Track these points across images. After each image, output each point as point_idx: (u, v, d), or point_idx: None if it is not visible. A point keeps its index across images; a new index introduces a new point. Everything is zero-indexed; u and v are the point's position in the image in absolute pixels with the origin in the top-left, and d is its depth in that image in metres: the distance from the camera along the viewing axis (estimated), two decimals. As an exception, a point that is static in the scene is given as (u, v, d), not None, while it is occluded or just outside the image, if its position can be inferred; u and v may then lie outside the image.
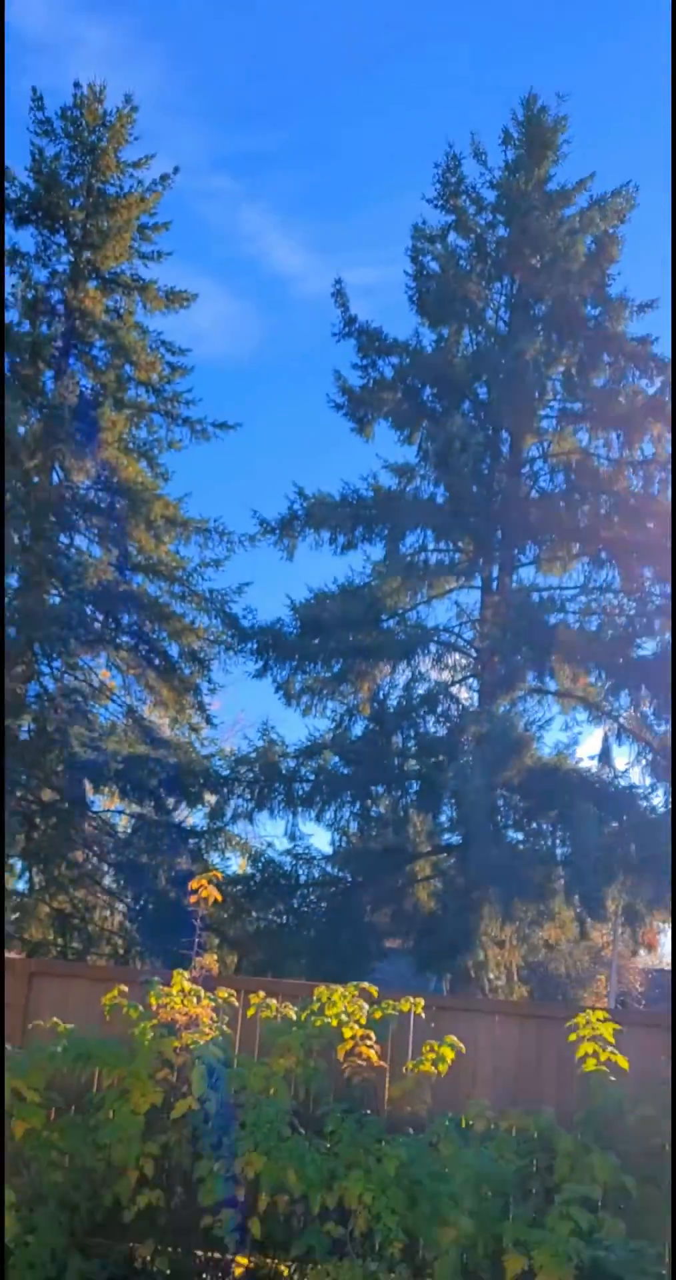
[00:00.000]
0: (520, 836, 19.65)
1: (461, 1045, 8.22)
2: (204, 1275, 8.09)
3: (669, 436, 20.90)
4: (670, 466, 20.41)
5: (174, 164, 24.22)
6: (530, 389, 20.83)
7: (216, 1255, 8.13)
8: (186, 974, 8.41)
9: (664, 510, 20.50)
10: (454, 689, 20.99)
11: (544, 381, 21.30)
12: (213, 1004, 8.43)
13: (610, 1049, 7.84)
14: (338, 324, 21.77)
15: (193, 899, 9.11)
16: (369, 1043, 8.26)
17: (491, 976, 19.59)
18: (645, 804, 19.10)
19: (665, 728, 19.63)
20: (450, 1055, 8.17)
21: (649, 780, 19.54)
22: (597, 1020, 7.91)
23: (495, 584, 21.04)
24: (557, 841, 19.09)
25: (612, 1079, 7.78)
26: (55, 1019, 8.42)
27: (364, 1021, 8.28)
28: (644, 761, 19.68)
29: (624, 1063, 7.73)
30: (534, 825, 19.43)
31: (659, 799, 19.26)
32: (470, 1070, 8.34)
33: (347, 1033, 8.22)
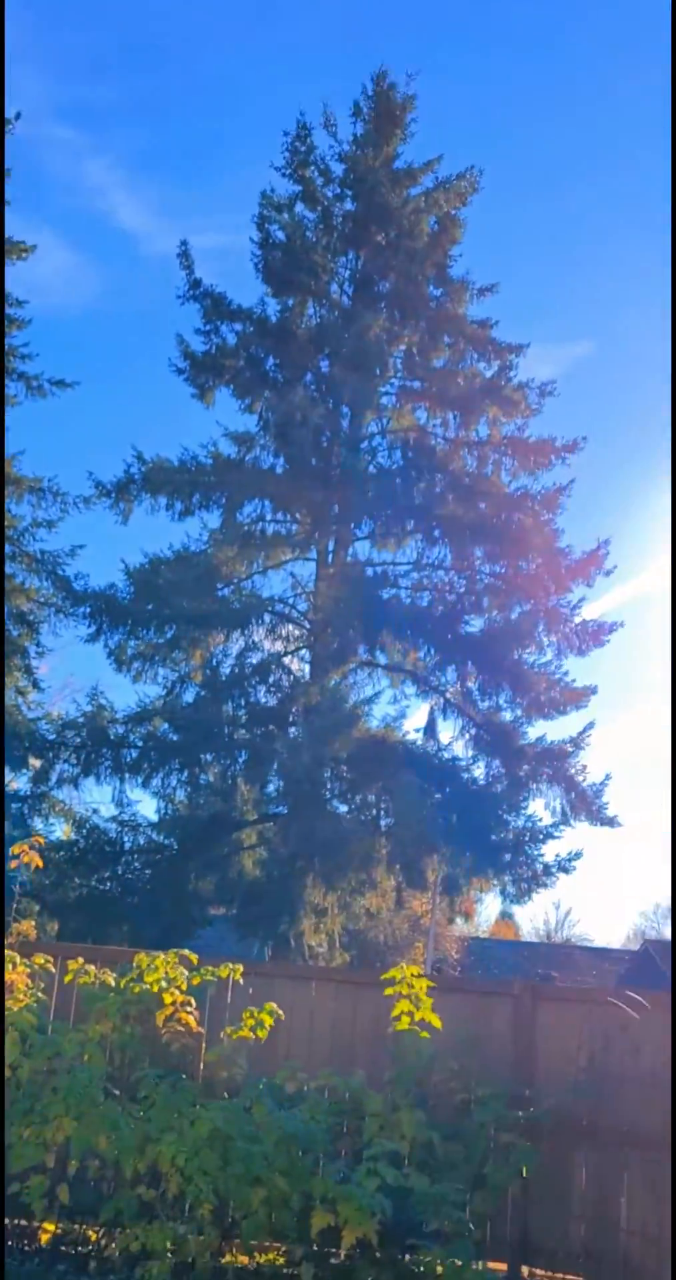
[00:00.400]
0: (345, 807, 19.99)
1: (280, 1012, 8.39)
2: (9, 1243, 8.05)
3: (503, 419, 21.47)
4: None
5: (15, 109, 23.34)
6: (371, 365, 21.10)
7: (24, 1223, 8.11)
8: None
9: (497, 490, 21.07)
10: (286, 660, 21.19)
11: (385, 358, 21.61)
12: (28, 970, 8.37)
13: (423, 1009, 8.16)
14: (182, 286, 21.60)
15: (13, 864, 9.02)
16: (188, 1009, 8.37)
17: (312, 944, 19.88)
18: (467, 776, 19.72)
19: (488, 703, 20.24)
20: (269, 1021, 8.33)
21: (471, 753, 20.16)
22: (413, 976, 8.22)
23: (330, 557, 21.28)
24: (381, 812, 19.52)
25: (425, 1035, 8.09)
26: None
27: (184, 988, 8.37)
28: (467, 735, 20.27)
29: (437, 1021, 8.05)
30: (359, 796, 19.81)
31: (480, 771, 19.88)
32: (287, 1035, 8.52)
33: (168, 999, 8.30)
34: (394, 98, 22.23)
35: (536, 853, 19.12)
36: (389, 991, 8.20)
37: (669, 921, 63.07)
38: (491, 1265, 7.87)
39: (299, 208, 22.38)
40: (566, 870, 19.17)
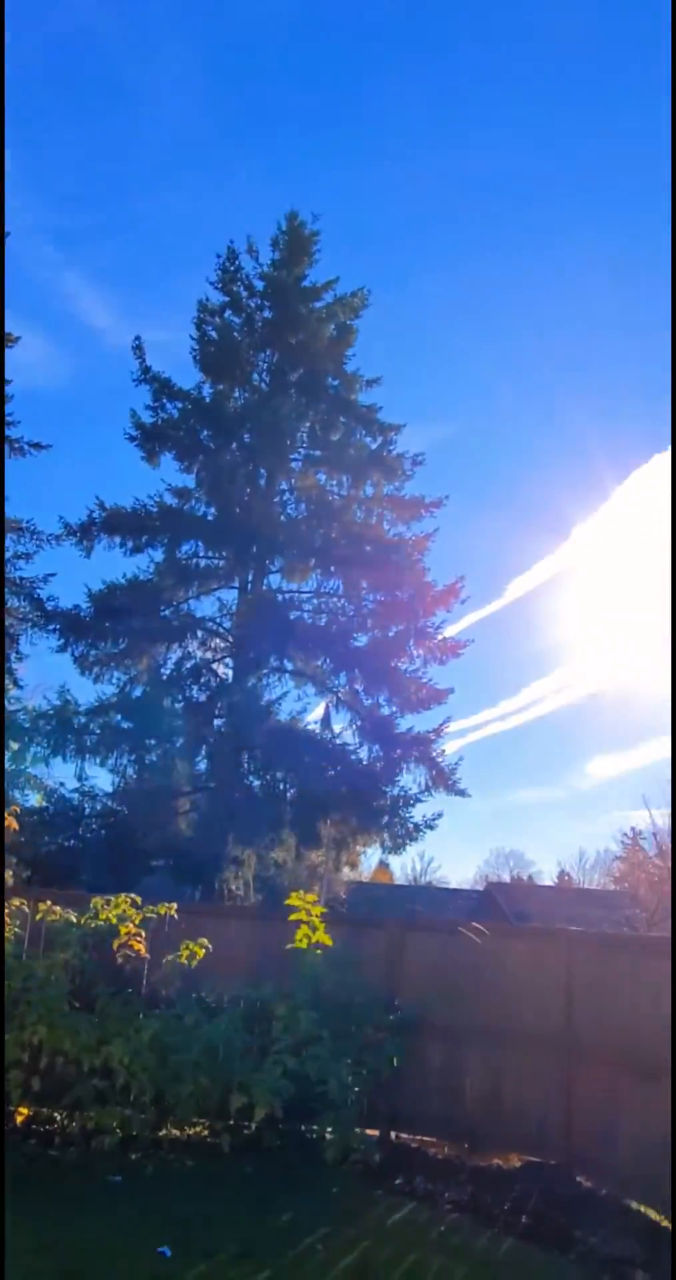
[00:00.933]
0: (259, 782, 20.05)
1: (209, 944, 8.52)
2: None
3: (385, 481, 21.76)
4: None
5: (7, 228, 22.89)
6: (283, 437, 21.26)
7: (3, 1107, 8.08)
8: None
9: (379, 536, 21.34)
10: (214, 666, 21.15)
11: (294, 432, 21.76)
12: (7, 911, 8.36)
13: (318, 933, 8.36)
14: (136, 372, 21.44)
15: (-2, 827, 8.98)
16: (139, 939, 8.44)
17: (233, 888, 19.86)
18: (354, 758, 19.91)
19: (371, 701, 20.48)
20: (200, 953, 8.47)
21: (358, 740, 20.31)
22: (311, 904, 8.41)
23: (249, 586, 21.33)
24: (287, 786, 19.61)
25: (319, 952, 8.29)
26: None
27: (138, 921, 8.45)
28: (355, 726, 20.44)
29: (328, 940, 8.26)
30: (270, 774, 19.88)
31: (364, 754, 20.06)
32: (213, 959, 8.64)
33: (123, 930, 8.37)
34: (303, 232, 22.44)
35: (408, 815, 19.42)
36: (292, 917, 8.37)
37: (507, 866, 64.21)
38: (368, 1132, 8.08)
39: (228, 314, 22.43)
40: (431, 828, 19.52)
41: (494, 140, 36.33)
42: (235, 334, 22.23)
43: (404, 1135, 8.57)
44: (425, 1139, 8.52)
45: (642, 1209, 6.84)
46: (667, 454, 22.05)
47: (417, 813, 19.52)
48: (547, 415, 47.38)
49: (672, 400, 19.67)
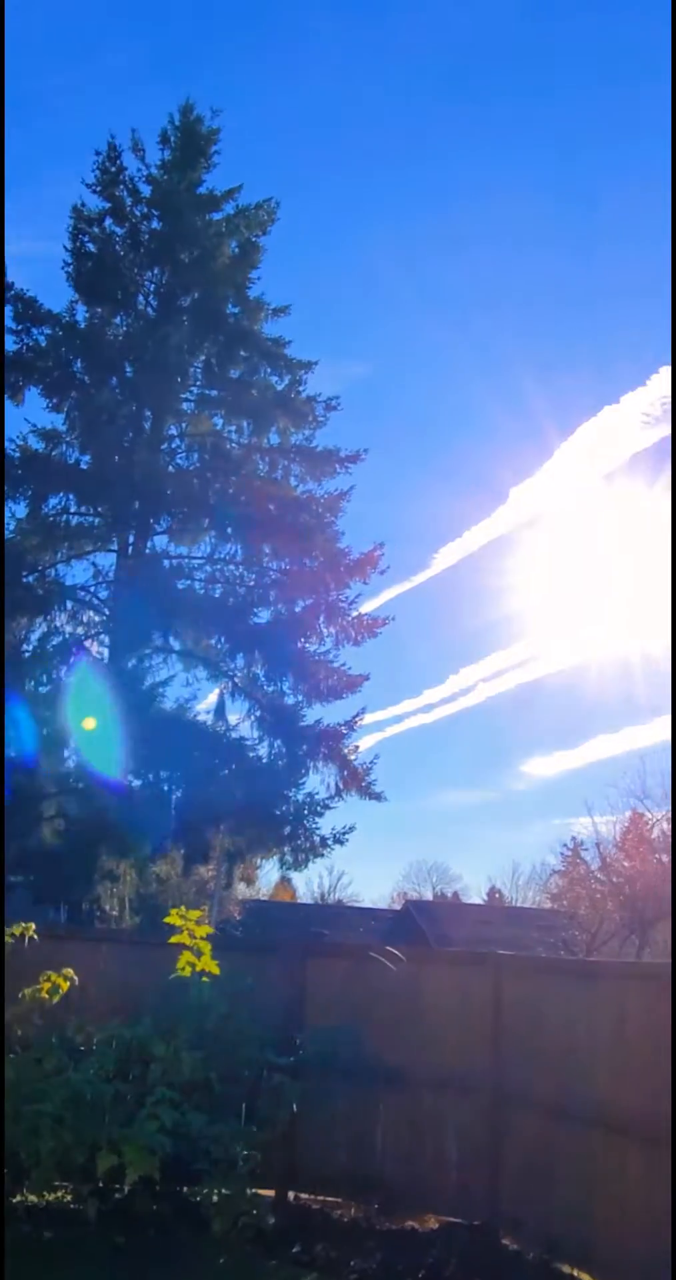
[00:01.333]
0: (139, 782, 19.82)
1: (75, 975, 8.38)
2: None
3: (293, 429, 21.69)
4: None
5: None
6: (173, 373, 20.97)
7: None
8: None
9: (285, 493, 21.27)
10: (87, 643, 20.79)
11: (186, 368, 21.50)
12: None
13: (204, 960, 8.29)
14: (-6, 289, 20.78)
15: None
16: (-15, 972, 8.23)
17: (107, 908, 19.68)
18: (253, 755, 19.86)
19: (273, 688, 20.46)
20: (64, 985, 8.32)
21: (257, 734, 20.28)
22: (194, 923, 8.33)
23: (130, 549, 21.01)
24: (172, 787, 19.44)
25: (206, 979, 8.21)
26: None
27: (-17, 950, 8.24)
28: (253, 717, 20.40)
29: (215, 968, 8.18)
30: (152, 772, 19.67)
31: (264, 750, 20.03)
32: (81, 991, 8.49)
33: (-35, 962, 8.15)
34: (199, 129, 22.05)
35: (314, 826, 19.49)
36: (174, 940, 8.27)
37: (429, 882, 65.24)
38: (262, 1192, 8.06)
39: (108, 223, 21.89)
40: (340, 842, 19.66)
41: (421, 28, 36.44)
42: (117, 247, 21.78)
43: (305, 1195, 8.58)
44: (329, 1199, 8.55)
45: (575, 1273, 6.99)
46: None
47: (326, 823, 19.65)
48: (482, 357, 47.92)
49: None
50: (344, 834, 19.72)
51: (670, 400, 21.74)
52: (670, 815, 32.26)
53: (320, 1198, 8.57)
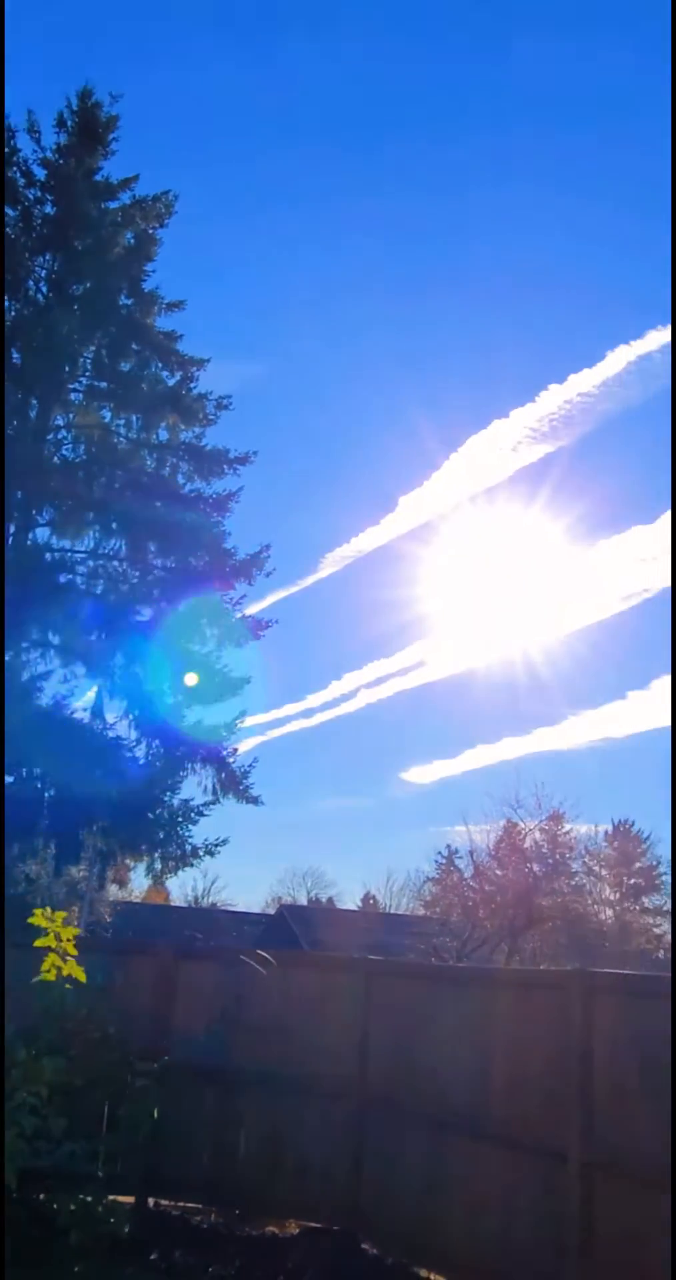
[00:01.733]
0: (10, 779, 19.36)
1: None
2: None
3: (182, 426, 21.53)
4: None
5: None
6: (61, 362, 20.58)
7: None
8: None
9: (173, 491, 21.09)
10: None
11: (75, 358, 21.12)
12: None
13: (70, 965, 8.13)
14: None
15: None
16: None
17: (-29, 907, 19.13)
18: (129, 755, 19.61)
19: (153, 687, 20.21)
20: None
21: (135, 734, 20.00)
22: (60, 925, 8.17)
23: (10, 539, 20.51)
24: (45, 785, 19.06)
25: (69, 986, 8.05)
26: None
27: None
28: (131, 716, 20.11)
29: (82, 975, 8.02)
30: (24, 769, 19.25)
31: (141, 750, 19.80)
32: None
33: None
34: (98, 115, 21.76)
35: (187, 834, 19.41)
36: (39, 943, 8.09)
37: (304, 887, 65.37)
38: (121, 1199, 7.96)
39: (-1, 203, 21.41)
40: (212, 854, 19.63)
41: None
42: (8, 230, 21.27)
43: (165, 1202, 8.52)
44: (189, 1205, 8.50)
45: (432, 1277, 7.10)
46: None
47: (199, 832, 19.59)
48: (373, 366, 48.36)
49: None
50: (216, 845, 19.75)
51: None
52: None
53: (181, 1204, 8.51)
